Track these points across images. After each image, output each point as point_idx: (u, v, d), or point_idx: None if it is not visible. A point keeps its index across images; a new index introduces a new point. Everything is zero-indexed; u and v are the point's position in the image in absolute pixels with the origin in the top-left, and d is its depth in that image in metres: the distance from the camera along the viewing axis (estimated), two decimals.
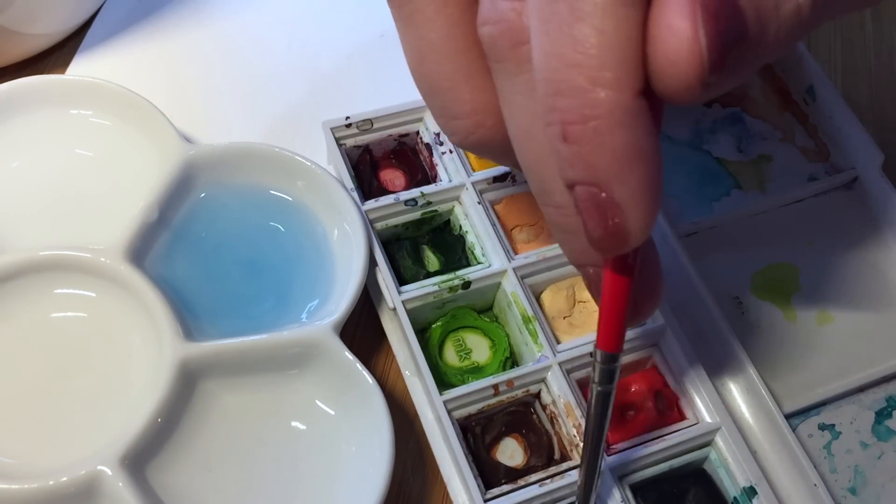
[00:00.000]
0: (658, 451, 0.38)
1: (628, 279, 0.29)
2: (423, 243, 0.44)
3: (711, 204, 0.45)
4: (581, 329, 0.41)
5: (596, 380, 0.32)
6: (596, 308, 0.42)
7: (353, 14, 0.53)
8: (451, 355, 0.41)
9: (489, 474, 0.38)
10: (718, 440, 0.39)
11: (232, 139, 0.44)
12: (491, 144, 0.31)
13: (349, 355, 0.38)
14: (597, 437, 0.33)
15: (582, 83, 0.24)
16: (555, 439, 0.39)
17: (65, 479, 0.35)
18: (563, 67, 0.24)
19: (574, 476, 0.37)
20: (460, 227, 0.43)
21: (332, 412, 0.39)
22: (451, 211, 0.44)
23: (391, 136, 0.45)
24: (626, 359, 0.41)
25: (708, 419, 0.39)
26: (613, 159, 0.24)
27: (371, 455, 0.37)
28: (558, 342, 0.40)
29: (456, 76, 0.30)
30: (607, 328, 0.30)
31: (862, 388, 0.41)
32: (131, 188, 0.42)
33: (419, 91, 0.32)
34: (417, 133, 0.45)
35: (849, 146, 0.47)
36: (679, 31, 0.24)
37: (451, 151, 0.44)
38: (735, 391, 0.40)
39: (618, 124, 0.24)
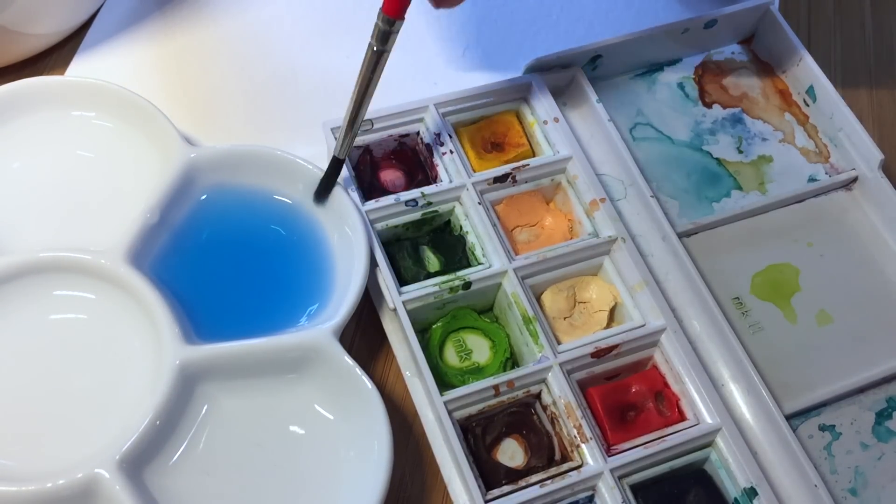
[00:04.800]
0: (659, 452, 0.38)
1: None
2: (423, 244, 0.43)
3: (712, 204, 0.45)
4: (582, 329, 0.41)
5: (374, 40, 0.38)
6: (597, 309, 0.42)
7: (352, 14, 0.53)
8: (451, 356, 0.41)
9: (490, 475, 0.38)
10: (719, 441, 0.39)
11: (232, 140, 0.44)
12: None
13: (348, 360, 0.38)
14: (363, 90, 0.40)
15: None
16: (555, 440, 0.39)
17: (62, 481, 0.35)
18: None
19: (574, 477, 0.37)
20: (461, 227, 0.43)
21: (331, 417, 0.39)
22: (451, 211, 0.44)
23: (391, 136, 0.45)
24: (626, 359, 0.41)
25: (708, 420, 0.39)
26: None
27: (370, 460, 0.37)
28: (559, 342, 0.40)
29: None
30: None
31: (862, 389, 0.41)
32: (132, 190, 0.42)
33: None
34: (418, 133, 0.45)
35: (849, 146, 0.47)
36: None
37: (451, 152, 0.44)
38: (735, 391, 0.40)
39: None
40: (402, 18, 0.38)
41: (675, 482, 0.39)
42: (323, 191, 0.42)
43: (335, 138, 0.43)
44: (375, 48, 0.38)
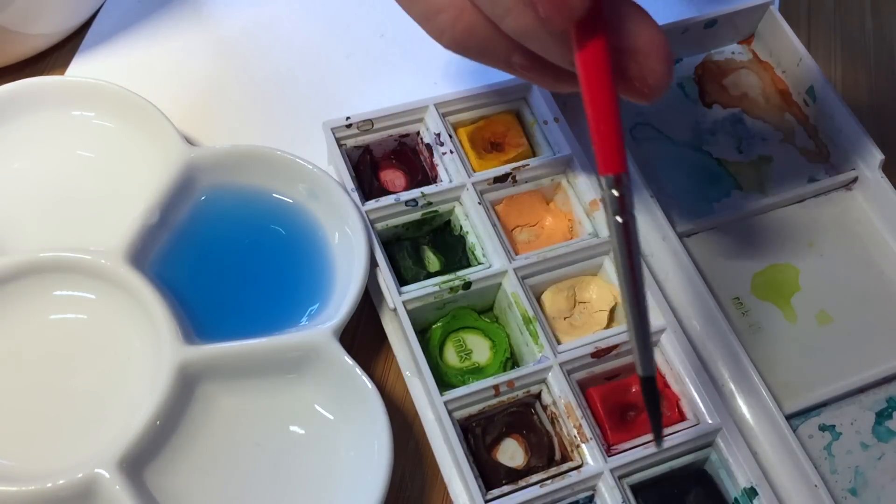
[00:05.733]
0: (659, 452, 0.38)
1: (600, 47, 0.28)
2: (423, 244, 0.44)
3: (712, 204, 0.45)
4: (582, 329, 0.41)
5: (610, 211, 0.30)
6: (597, 309, 0.42)
7: (353, 14, 0.53)
8: (451, 356, 0.41)
9: (490, 475, 0.38)
10: (719, 441, 0.39)
11: (232, 140, 0.44)
12: (475, 30, 0.32)
13: (349, 360, 0.38)
14: (632, 277, 0.30)
15: None
16: (555, 440, 0.39)
17: (62, 481, 0.35)
18: None
19: (574, 477, 0.37)
20: (461, 227, 0.43)
21: (331, 417, 0.39)
22: (451, 211, 0.44)
23: (391, 136, 0.45)
24: (626, 359, 0.41)
25: (708, 420, 0.39)
26: None
27: (370, 461, 0.37)
28: (559, 342, 0.40)
29: None
30: (600, 138, 0.28)
31: (862, 389, 0.41)
32: (132, 190, 0.42)
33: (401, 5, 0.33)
34: (418, 133, 0.45)
35: (849, 146, 0.47)
36: None
37: (451, 152, 0.44)
38: (735, 391, 0.40)
39: None
40: (625, 170, 0.29)
41: (675, 482, 0.39)
42: (658, 427, 0.33)
43: (336, 142, 0.43)
44: (620, 219, 0.30)
